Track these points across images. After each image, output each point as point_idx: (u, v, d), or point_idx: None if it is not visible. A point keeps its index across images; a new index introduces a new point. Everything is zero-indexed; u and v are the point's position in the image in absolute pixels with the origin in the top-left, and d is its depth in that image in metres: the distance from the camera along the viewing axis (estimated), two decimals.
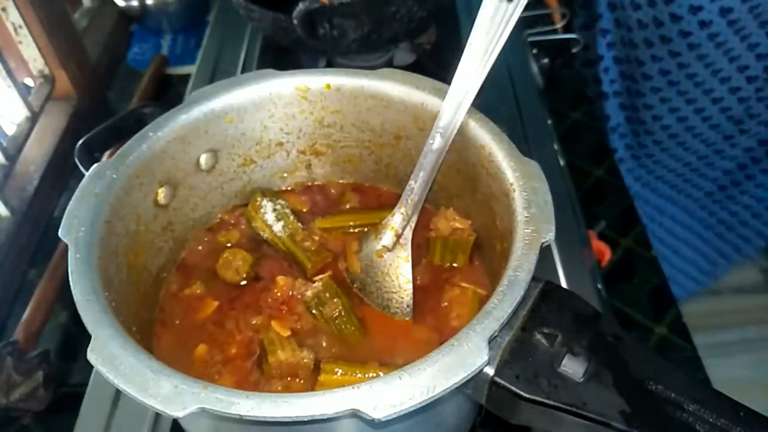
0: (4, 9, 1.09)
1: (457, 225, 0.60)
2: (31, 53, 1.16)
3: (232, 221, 0.67)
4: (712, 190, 1.47)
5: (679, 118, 1.33)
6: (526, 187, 0.51)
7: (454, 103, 0.54)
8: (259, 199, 0.65)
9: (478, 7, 0.50)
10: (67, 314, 0.92)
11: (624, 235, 1.09)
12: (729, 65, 1.20)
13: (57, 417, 0.80)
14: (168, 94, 1.31)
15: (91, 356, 0.41)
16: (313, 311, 0.57)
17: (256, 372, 0.54)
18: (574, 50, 1.34)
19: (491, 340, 0.42)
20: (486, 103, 0.58)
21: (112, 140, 0.64)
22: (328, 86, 0.63)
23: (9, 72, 1.10)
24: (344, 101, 0.64)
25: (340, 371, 0.51)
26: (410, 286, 0.58)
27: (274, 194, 0.66)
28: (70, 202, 0.51)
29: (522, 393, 0.43)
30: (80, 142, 0.62)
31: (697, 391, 0.42)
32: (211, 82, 0.63)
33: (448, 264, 0.61)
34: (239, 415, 0.38)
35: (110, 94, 1.34)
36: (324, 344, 0.55)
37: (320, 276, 0.59)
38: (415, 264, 0.60)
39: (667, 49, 1.22)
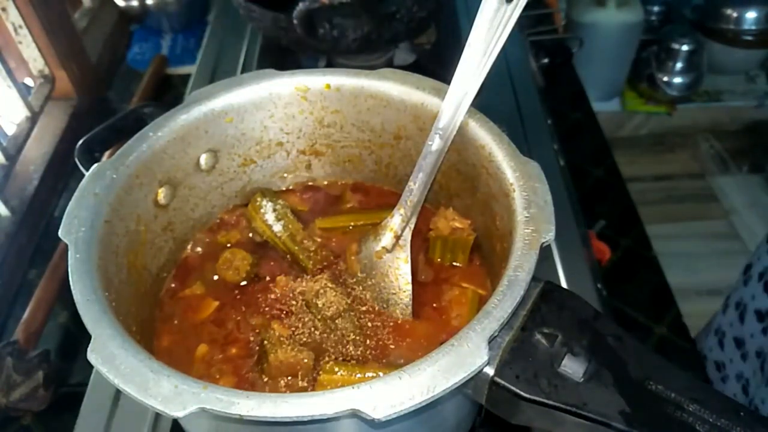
0: (4, 9, 1.09)
1: (457, 225, 0.60)
2: (31, 53, 1.16)
3: (232, 221, 0.67)
4: None
5: None
6: (526, 187, 0.51)
7: (453, 104, 0.54)
8: (259, 199, 0.65)
9: (478, 7, 0.50)
10: (67, 314, 0.92)
11: (624, 235, 1.09)
12: None
13: (57, 417, 0.80)
14: (168, 94, 1.31)
15: (91, 356, 0.41)
16: (313, 311, 0.56)
17: (256, 372, 0.54)
18: (574, 50, 1.34)
19: (491, 340, 0.42)
20: (486, 103, 0.58)
21: (112, 140, 0.64)
22: (328, 86, 0.63)
23: (9, 72, 1.10)
24: (344, 101, 0.64)
25: (340, 371, 0.51)
26: (410, 287, 0.58)
27: (274, 194, 0.66)
28: (70, 202, 0.51)
29: (522, 393, 0.43)
30: (80, 142, 0.62)
31: (697, 391, 0.42)
32: (211, 82, 0.63)
33: (448, 264, 0.62)
34: (239, 415, 0.38)
35: (110, 94, 1.34)
36: (324, 344, 0.55)
37: (320, 276, 0.59)
38: (414, 264, 0.60)
39: None
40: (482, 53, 0.51)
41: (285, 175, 0.70)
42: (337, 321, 0.56)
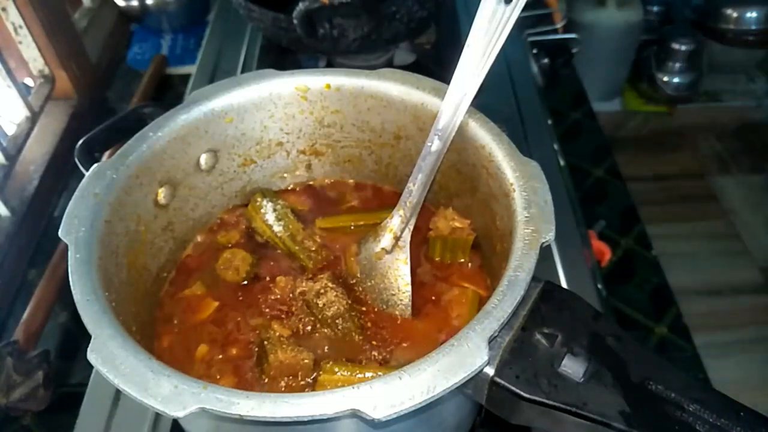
0: (4, 9, 1.09)
1: (457, 224, 0.60)
2: (31, 53, 1.16)
3: (232, 221, 0.67)
4: None
5: None
6: (526, 187, 0.51)
7: (452, 105, 0.54)
8: (259, 199, 0.65)
9: (478, 7, 0.50)
10: (67, 314, 0.92)
11: (624, 235, 1.09)
12: None
13: (57, 417, 0.80)
14: (168, 94, 1.31)
15: (91, 356, 0.41)
16: (314, 311, 0.56)
17: (257, 372, 0.54)
18: (574, 50, 1.34)
19: (491, 340, 0.42)
20: (486, 103, 0.58)
21: (112, 140, 0.64)
22: (328, 86, 0.63)
23: (9, 72, 1.10)
24: (344, 101, 0.64)
25: (340, 371, 0.51)
26: (409, 287, 0.58)
27: (274, 194, 0.66)
28: (70, 202, 0.51)
29: (522, 393, 0.43)
30: (80, 142, 0.62)
31: (697, 391, 0.42)
32: (211, 82, 0.63)
33: (447, 263, 0.62)
34: (239, 415, 0.38)
35: (110, 94, 1.34)
36: (324, 344, 0.55)
37: (321, 276, 0.59)
38: (414, 264, 0.60)
39: None
40: (481, 54, 0.51)
41: (285, 175, 0.70)
42: (337, 320, 0.56)
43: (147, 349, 0.43)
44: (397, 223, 0.58)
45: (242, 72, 1.17)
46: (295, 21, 0.91)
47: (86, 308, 0.44)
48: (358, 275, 0.60)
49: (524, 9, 0.49)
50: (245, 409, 0.38)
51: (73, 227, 0.49)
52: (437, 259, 0.62)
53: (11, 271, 0.96)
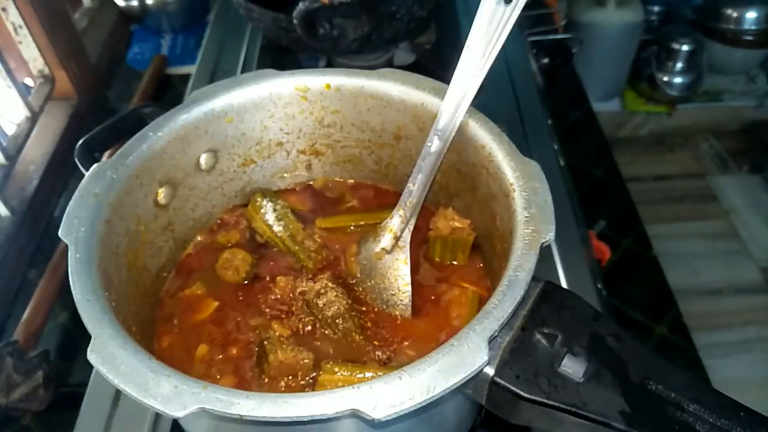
0: (4, 9, 1.09)
1: (457, 224, 0.60)
2: (31, 53, 1.16)
3: (232, 221, 0.67)
4: None
5: None
6: (526, 187, 0.51)
7: (452, 105, 0.54)
8: (259, 199, 0.65)
9: (478, 8, 0.50)
10: (67, 314, 0.92)
11: (624, 235, 1.09)
12: None
13: (57, 417, 0.80)
14: (168, 94, 1.31)
15: (91, 356, 0.41)
16: (314, 311, 0.57)
17: (257, 372, 0.54)
18: (574, 50, 1.34)
19: (491, 340, 0.42)
20: (486, 103, 0.58)
21: (112, 140, 0.64)
22: (328, 86, 0.63)
23: (9, 72, 1.10)
24: (344, 101, 0.64)
25: (340, 371, 0.51)
26: (409, 288, 0.58)
27: (274, 194, 0.66)
28: (70, 202, 0.51)
29: (522, 393, 0.43)
30: (80, 142, 0.62)
31: (697, 391, 0.42)
32: (211, 82, 0.63)
33: (447, 263, 0.62)
34: (239, 415, 0.38)
35: (110, 94, 1.34)
36: (324, 344, 0.55)
37: (321, 276, 0.59)
38: (414, 264, 0.60)
39: None
40: (481, 54, 0.51)
41: (285, 175, 0.70)
42: (337, 320, 0.56)
43: (147, 349, 0.43)
44: (397, 223, 0.58)
45: (242, 72, 1.17)
46: (295, 21, 0.91)
47: (86, 308, 0.44)
48: (358, 275, 0.60)
49: (524, 9, 0.49)
50: (245, 409, 0.38)
51: (73, 227, 0.49)
52: (437, 259, 0.62)
53: (11, 271, 0.96)
